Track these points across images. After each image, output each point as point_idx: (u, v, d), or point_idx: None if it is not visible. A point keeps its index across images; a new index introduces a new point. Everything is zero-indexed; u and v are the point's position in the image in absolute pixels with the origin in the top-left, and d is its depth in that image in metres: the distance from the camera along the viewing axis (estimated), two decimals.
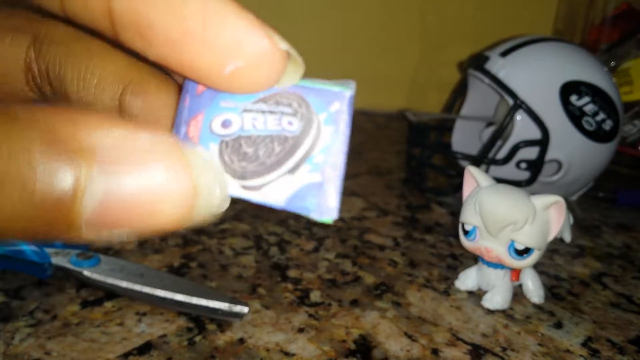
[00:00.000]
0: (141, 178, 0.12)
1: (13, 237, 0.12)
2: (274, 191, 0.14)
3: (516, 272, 0.36)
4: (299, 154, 0.14)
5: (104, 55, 0.17)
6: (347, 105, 0.14)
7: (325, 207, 0.14)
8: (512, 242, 0.33)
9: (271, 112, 0.14)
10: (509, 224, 0.32)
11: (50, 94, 0.18)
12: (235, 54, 0.13)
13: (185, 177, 0.13)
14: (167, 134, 0.13)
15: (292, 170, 0.14)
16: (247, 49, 0.13)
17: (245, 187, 0.14)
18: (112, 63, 0.17)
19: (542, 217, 0.33)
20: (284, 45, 0.14)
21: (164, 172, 0.12)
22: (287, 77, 0.14)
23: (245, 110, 0.14)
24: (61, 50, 0.17)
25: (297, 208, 0.14)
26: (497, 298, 0.35)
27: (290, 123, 0.14)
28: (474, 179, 0.35)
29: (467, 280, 0.37)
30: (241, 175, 0.14)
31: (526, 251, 0.33)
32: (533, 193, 0.34)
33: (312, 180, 0.14)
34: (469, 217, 0.34)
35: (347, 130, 0.14)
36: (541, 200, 0.33)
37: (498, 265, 0.35)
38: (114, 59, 0.17)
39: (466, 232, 0.35)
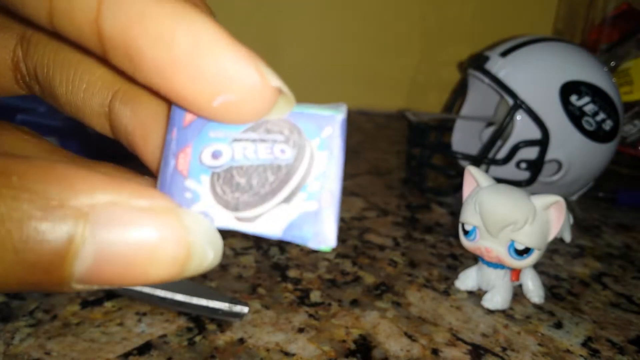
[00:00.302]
0: (134, 241, 0.12)
1: (6, 291, 0.12)
2: (269, 222, 0.13)
3: (516, 272, 0.36)
4: (294, 182, 0.13)
5: (93, 60, 0.17)
6: (339, 129, 0.14)
7: (323, 236, 0.13)
8: (512, 242, 0.33)
9: (262, 141, 0.14)
10: (509, 224, 0.32)
11: (39, 92, 0.18)
12: (225, 87, 0.13)
13: (179, 240, 0.13)
14: (162, 197, 0.13)
15: (287, 200, 0.13)
16: (238, 83, 0.13)
17: (239, 219, 0.14)
18: (101, 68, 0.17)
19: (542, 217, 0.33)
20: (275, 81, 0.14)
21: (158, 235, 0.12)
22: (277, 111, 0.14)
23: (235, 140, 0.14)
24: (49, 51, 0.17)
25: (294, 238, 0.13)
26: (497, 298, 0.35)
27: (282, 151, 0.14)
28: (474, 179, 0.35)
29: (467, 280, 0.37)
30: (234, 207, 0.14)
31: (526, 251, 0.33)
32: (533, 193, 0.34)
33: (308, 209, 0.13)
34: (469, 217, 0.34)
35: (341, 155, 0.14)
36: (541, 200, 0.33)
37: (498, 265, 0.35)
38: (102, 65, 0.17)
39: (466, 232, 0.34)
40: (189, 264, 0.13)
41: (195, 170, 0.14)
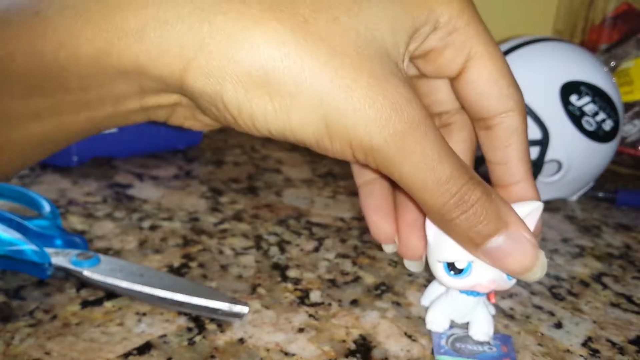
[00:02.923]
0: (521, 252, 0.25)
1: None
2: None
3: (493, 293, 0.32)
4: None
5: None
6: None
7: None
8: None
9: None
10: None
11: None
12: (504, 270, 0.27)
13: (535, 260, 0.25)
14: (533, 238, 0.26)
15: None
16: (514, 272, 0.26)
17: None
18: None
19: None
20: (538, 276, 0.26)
21: (527, 256, 0.25)
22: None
23: None
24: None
25: None
26: (484, 328, 0.31)
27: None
28: None
29: (439, 314, 0.32)
30: None
31: None
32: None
33: None
34: (462, 252, 0.28)
35: None
36: (521, 209, 0.29)
37: (474, 292, 0.30)
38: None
39: (458, 271, 0.29)
40: (532, 271, 0.25)
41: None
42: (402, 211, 0.30)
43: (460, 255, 0.28)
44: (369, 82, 0.19)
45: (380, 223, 0.30)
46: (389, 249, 0.31)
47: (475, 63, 0.25)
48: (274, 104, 0.19)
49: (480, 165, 0.48)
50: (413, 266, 0.31)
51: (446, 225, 0.24)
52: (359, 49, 0.20)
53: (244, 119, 0.20)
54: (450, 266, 0.29)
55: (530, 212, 0.30)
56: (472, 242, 0.25)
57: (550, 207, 0.56)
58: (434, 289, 0.34)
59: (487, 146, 0.28)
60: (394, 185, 0.30)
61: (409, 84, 0.21)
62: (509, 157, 0.27)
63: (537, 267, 0.25)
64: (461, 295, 0.31)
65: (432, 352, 0.30)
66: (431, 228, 0.29)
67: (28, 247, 0.33)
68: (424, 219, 0.29)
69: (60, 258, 0.34)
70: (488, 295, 0.32)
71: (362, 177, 0.31)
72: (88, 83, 0.20)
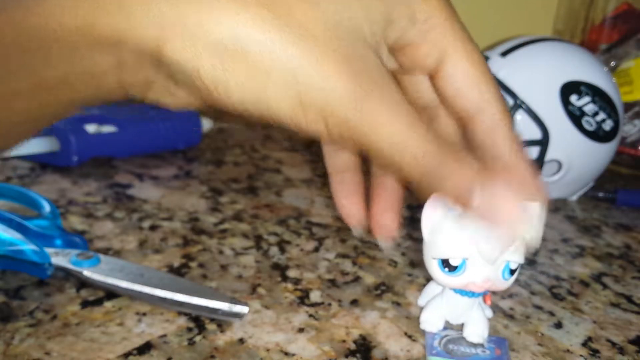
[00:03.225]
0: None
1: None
2: None
3: (489, 295, 0.32)
4: None
5: None
6: None
7: None
8: (507, 263, 0.29)
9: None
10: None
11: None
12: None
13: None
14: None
15: None
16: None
17: None
18: None
19: None
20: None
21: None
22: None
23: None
24: None
25: None
26: (479, 330, 0.31)
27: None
28: (444, 206, 0.29)
29: (433, 313, 0.32)
30: None
31: (516, 269, 0.30)
32: None
33: None
34: (457, 249, 0.28)
35: None
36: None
37: (470, 292, 0.31)
38: None
39: (453, 268, 0.29)
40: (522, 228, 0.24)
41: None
42: (377, 195, 0.31)
43: (454, 252, 0.28)
44: (336, 57, 0.20)
45: (349, 207, 0.31)
46: (357, 232, 0.32)
47: (451, 59, 0.25)
48: (250, 78, 0.20)
49: None
50: (385, 245, 0.32)
51: (431, 188, 0.24)
52: (331, 29, 0.21)
53: (219, 91, 0.20)
54: (445, 263, 0.29)
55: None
56: (461, 201, 0.24)
57: (550, 207, 0.56)
58: (431, 289, 0.34)
59: (475, 142, 0.28)
60: (368, 173, 0.32)
61: (380, 63, 0.22)
62: (495, 153, 0.27)
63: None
64: (456, 295, 0.31)
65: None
66: (427, 225, 0.29)
67: (28, 247, 0.33)
68: (398, 202, 0.31)
69: (60, 258, 0.34)
70: (484, 297, 0.31)
71: (334, 165, 0.32)
72: (69, 56, 0.20)
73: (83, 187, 0.49)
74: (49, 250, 0.34)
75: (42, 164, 0.53)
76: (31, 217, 0.37)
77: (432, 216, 0.29)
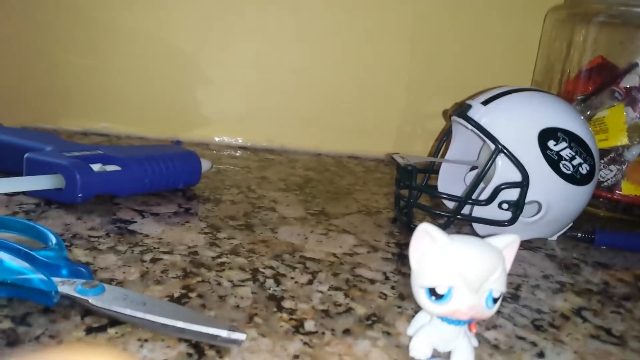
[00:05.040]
0: None
1: None
2: None
3: (475, 323, 0.34)
4: None
5: None
6: None
7: None
8: (490, 291, 0.31)
9: None
10: (492, 273, 0.31)
11: None
12: None
13: None
14: None
15: None
16: None
17: None
18: None
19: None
20: None
21: None
22: None
23: None
24: None
25: None
26: (465, 358, 0.33)
27: None
28: (431, 237, 0.31)
29: (422, 342, 0.34)
30: None
31: (498, 297, 0.32)
32: (502, 234, 0.33)
33: None
34: (443, 278, 0.30)
35: None
36: (500, 242, 0.32)
37: (457, 321, 0.32)
38: None
39: (439, 296, 0.31)
40: None
41: None
42: None
43: (441, 281, 0.31)
44: None
45: None
46: None
47: None
48: None
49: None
50: None
51: None
52: None
53: None
54: (432, 292, 0.31)
55: (507, 244, 0.32)
56: None
57: (531, 246, 0.58)
58: (420, 319, 0.36)
59: None
60: None
61: None
62: None
63: None
64: (443, 323, 0.33)
65: None
66: (414, 255, 0.32)
67: (36, 275, 0.35)
68: None
69: (67, 287, 0.36)
70: (469, 325, 0.33)
71: None
72: None
73: (87, 222, 0.51)
74: (55, 280, 0.35)
75: (47, 200, 0.55)
76: (38, 249, 0.39)
77: (419, 246, 0.32)
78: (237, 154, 0.88)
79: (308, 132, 0.94)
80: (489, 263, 0.31)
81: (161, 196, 0.61)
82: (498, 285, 0.31)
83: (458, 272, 0.30)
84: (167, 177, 0.60)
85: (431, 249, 0.31)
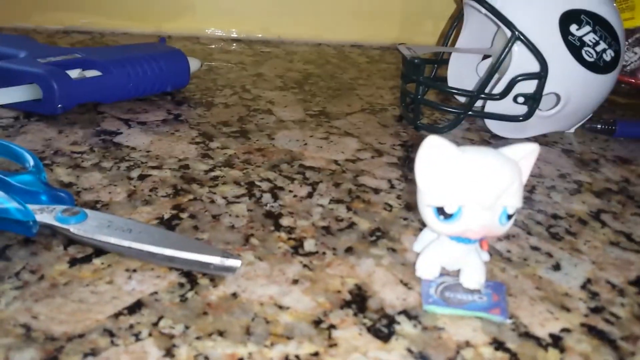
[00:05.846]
0: None
1: None
2: None
3: (486, 240, 0.31)
4: None
5: None
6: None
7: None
8: (504, 208, 0.28)
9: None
10: (507, 188, 0.27)
11: None
12: None
13: None
14: None
15: None
16: None
17: None
18: None
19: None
20: None
21: None
22: None
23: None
24: None
25: None
26: (476, 276, 0.30)
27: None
28: (438, 151, 0.28)
29: (429, 261, 0.31)
30: None
31: (513, 213, 0.28)
32: (509, 140, 0.30)
33: None
34: (453, 196, 0.27)
35: None
36: (516, 152, 0.29)
37: (467, 239, 0.29)
38: None
39: (448, 216, 0.28)
40: None
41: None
42: None
43: (449, 199, 0.27)
44: None
45: None
46: None
47: None
48: None
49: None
50: None
51: None
52: None
53: None
54: (440, 211, 0.28)
55: (524, 155, 0.29)
56: None
57: (547, 140, 0.54)
58: (426, 235, 0.33)
59: None
60: None
61: None
62: None
63: None
64: (452, 242, 0.30)
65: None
66: (421, 171, 0.28)
67: (11, 205, 0.32)
68: None
69: (45, 215, 0.33)
70: (481, 243, 0.31)
71: None
72: None
73: (69, 135, 0.47)
74: (33, 207, 0.33)
75: (26, 112, 0.51)
76: (14, 172, 0.35)
77: (427, 161, 0.28)
78: (231, 48, 0.82)
79: (306, 19, 0.87)
80: (504, 177, 0.27)
81: (149, 102, 0.57)
82: (513, 201, 0.27)
83: (469, 188, 0.27)
84: (152, 80, 0.55)
85: (439, 164, 0.28)
